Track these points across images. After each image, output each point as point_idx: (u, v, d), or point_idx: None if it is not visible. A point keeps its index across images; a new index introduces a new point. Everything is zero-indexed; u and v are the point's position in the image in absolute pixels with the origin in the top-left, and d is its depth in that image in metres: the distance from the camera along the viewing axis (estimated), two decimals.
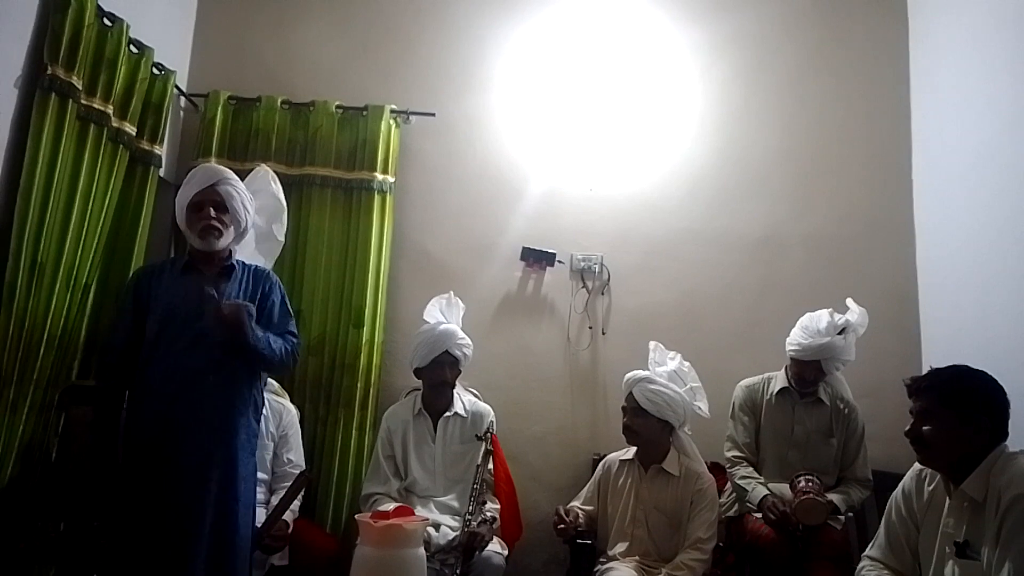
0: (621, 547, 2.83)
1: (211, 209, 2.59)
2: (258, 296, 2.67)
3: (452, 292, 3.28)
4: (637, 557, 2.78)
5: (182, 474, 2.42)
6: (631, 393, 2.89)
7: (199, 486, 2.43)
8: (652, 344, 3.02)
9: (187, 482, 2.42)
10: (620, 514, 2.89)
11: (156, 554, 2.36)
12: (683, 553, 2.71)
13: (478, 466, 2.82)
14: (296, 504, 2.94)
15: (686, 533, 2.77)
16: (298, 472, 2.98)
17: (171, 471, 2.42)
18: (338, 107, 3.72)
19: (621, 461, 2.99)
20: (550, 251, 3.75)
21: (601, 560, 2.85)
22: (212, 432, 2.49)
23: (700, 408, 2.93)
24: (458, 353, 3.12)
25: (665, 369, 2.93)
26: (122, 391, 2.59)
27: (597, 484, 3.02)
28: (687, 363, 2.98)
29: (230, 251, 2.70)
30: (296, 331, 2.76)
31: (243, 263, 2.73)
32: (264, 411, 3.10)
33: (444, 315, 3.20)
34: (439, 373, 3.10)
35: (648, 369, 2.94)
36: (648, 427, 2.86)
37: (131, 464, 2.48)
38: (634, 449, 2.96)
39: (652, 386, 2.85)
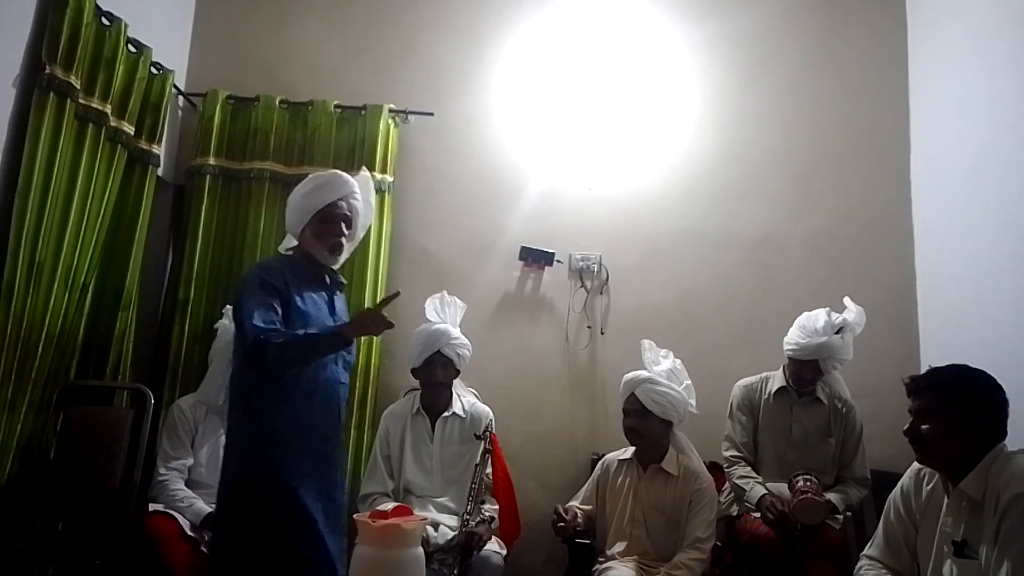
0: (620, 547, 2.82)
1: (343, 225, 2.50)
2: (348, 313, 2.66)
3: (445, 291, 3.28)
4: (636, 557, 2.77)
5: (331, 489, 2.42)
6: (633, 395, 2.87)
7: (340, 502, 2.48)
8: (646, 343, 3.01)
9: (335, 498, 2.44)
10: (619, 514, 2.88)
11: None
12: (681, 553, 2.71)
13: (476, 466, 2.82)
14: None
15: (685, 532, 2.76)
16: None
17: (321, 483, 2.37)
18: (336, 106, 3.72)
19: (619, 461, 2.99)
20: (549, 251, 3.74)
21: (600, 560, 2.84)
22: (340, 443, 2.57)
23: (691, 405, 2.94)
24: (451, 353, 3.11)
25: (663, 368, 2.93)
26: None
27: (595, 483, 3.02)
28: (678, 360, 2.99)
29: None
30: None
31: None
32: None
33: (439, 314, 3.19)
34: (432, 373, 3.10)
35: (645, 368, 2.94)
36: (652, 428, 2.86)
37: (277, 476, 2.30)
38: (632, 449, 2.96)
39: (657, 387, 2.85)
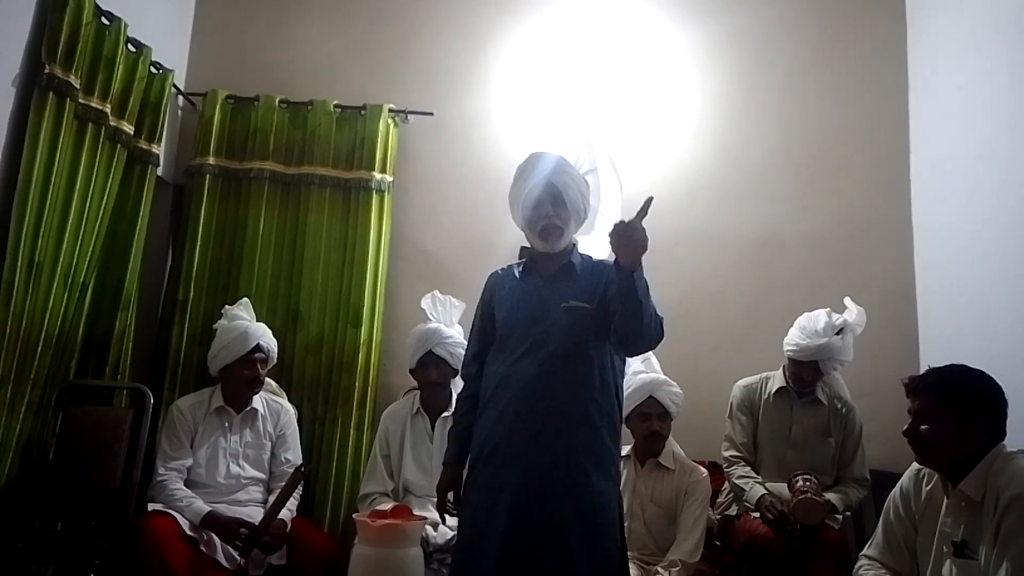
0: None
1: (550, 206, 2.34)
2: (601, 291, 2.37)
3: (436, 291, 3.25)
4: (634, 551, 2.78)
5: (524, 504, 2.12)
6: (653, 398, 2.89)
7: (548, 520, 2.11)
8: None
9: (531, 515, 2.12)
10: None
11: None
12: (676, 546, 2.78)
13: None
14: (294, 503, 2.94)
15: (679, 523, 2.83)
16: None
17: (507, 498, 2.13)
18: (336, 106, 3.72)
19: None
20: None
21: None
22: (552, 452, 2.17)
23: None
24: (443, 352, 3.07)
25: (658, 366, 2.96)
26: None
27: None
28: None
29: (571, 246, 2.43)
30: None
31: (582, 257, 2.44)
32: (263, 411, 3.12)
33: (432, 314, 3.18)
34: (426, 373, 3.09)
35: (633, 368, 2.96)
36: (668, 428, 2.93)
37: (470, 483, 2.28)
38: (630, 444, 2.98)
39: (672, 388, 2.92)
